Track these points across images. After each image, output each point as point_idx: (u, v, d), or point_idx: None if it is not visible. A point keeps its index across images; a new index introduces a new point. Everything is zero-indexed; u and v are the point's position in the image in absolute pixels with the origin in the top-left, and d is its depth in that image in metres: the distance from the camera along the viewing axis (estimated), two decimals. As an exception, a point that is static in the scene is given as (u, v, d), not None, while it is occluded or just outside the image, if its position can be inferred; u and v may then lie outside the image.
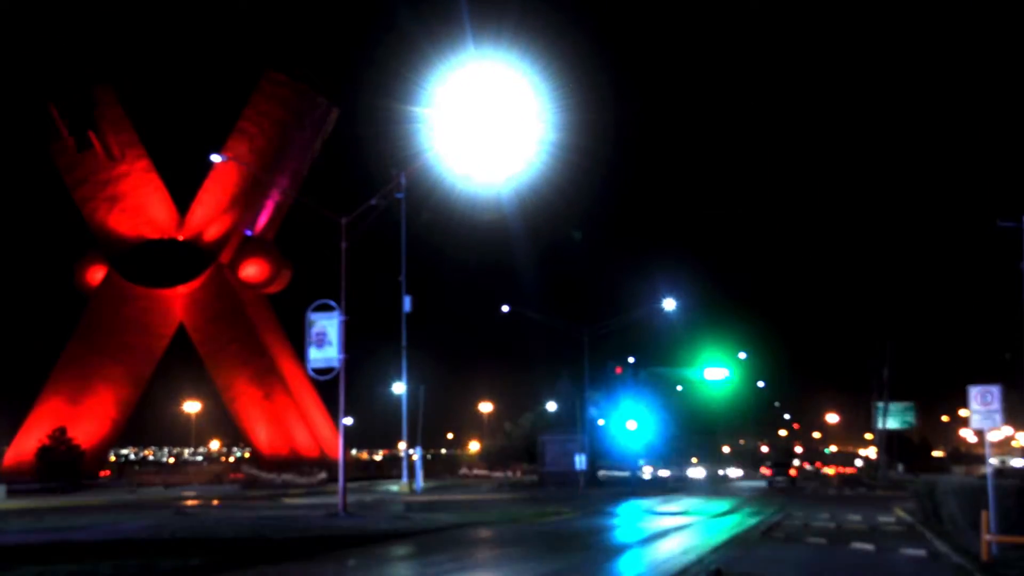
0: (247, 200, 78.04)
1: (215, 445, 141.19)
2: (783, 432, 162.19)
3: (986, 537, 19.21)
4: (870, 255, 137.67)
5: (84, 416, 74.00)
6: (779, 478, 67.43)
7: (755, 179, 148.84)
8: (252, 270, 78.53)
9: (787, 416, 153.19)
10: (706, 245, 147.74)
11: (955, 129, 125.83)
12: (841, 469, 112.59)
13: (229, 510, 39.28)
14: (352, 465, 75.92)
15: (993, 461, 26.20)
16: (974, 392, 20.45)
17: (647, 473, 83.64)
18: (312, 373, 35.85)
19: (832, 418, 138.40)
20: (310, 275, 78.51)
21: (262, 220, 79.68)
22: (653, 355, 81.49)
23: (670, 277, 79.89)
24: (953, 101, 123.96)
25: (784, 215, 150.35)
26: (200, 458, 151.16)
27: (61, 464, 64.65)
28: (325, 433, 77.48)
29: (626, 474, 75.43)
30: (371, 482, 70.87)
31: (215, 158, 63.78)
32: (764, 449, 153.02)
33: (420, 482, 56.27)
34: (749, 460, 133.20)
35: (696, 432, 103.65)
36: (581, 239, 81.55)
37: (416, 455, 58.83)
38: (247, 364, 76.92)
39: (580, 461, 62.97)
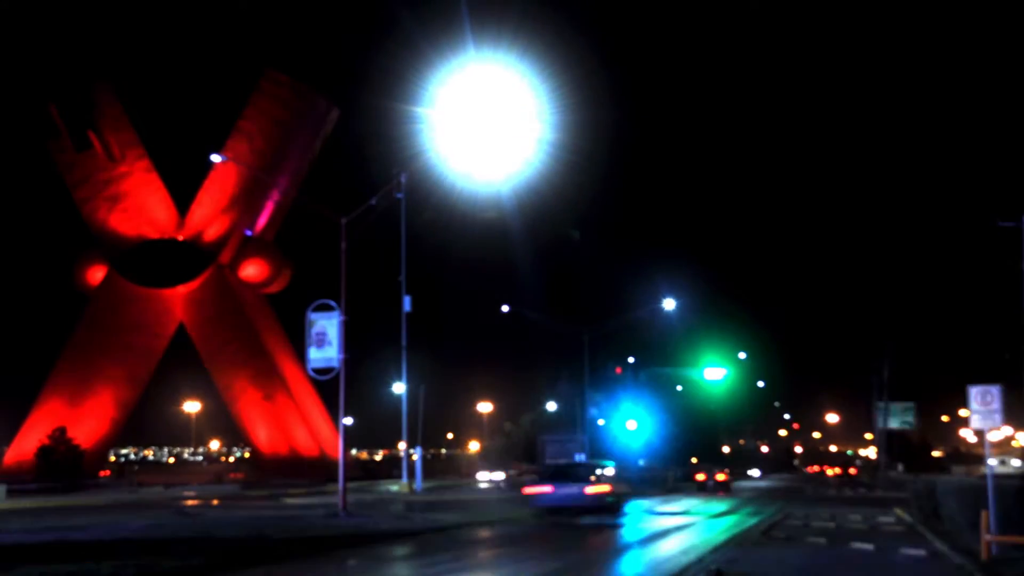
0: (247, 200, 78.05)
1: (215, 445, 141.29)
2: (783, 432, 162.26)
3: (986, 537, 19.21)
4: (870, 254, 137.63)
5: (84, 416, 73.99)
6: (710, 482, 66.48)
7: (755, 179, 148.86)
8: (252, 270, 78.54)
9: (787, 416, 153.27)
10: (706, 245, 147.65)
11: (955, 129, 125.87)
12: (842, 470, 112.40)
13: (229, 510, 39.29)
14: (352, 465, 75.92)
15: (993, 462, 26.19)
16: (974, 392, 20.43)
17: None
18: (312, 373, 35.85)
19: (832, 418, 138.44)
20: (310, 275, 78.53)
21: (262, 220, 79.69)
22: (653, 355, 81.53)
23: (670, 277, 79.68)
24: (953, 101, 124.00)
25: (784, 215, 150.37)
26: (200, 458, 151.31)
27: (61, 464, 64.67)
28: (325, 433, 77.47)
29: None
30: (371, 482, 70.85)
31: (215, 158, 63.76)
32: (764, 449, 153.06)
33: (420, 482, 56.27)
34: (749, 461, 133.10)
35: (696, 432, 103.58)
36: (580, 238, 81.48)
37: (416, 455, 58.82)
38: (247, 364, 76.92)
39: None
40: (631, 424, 70.41)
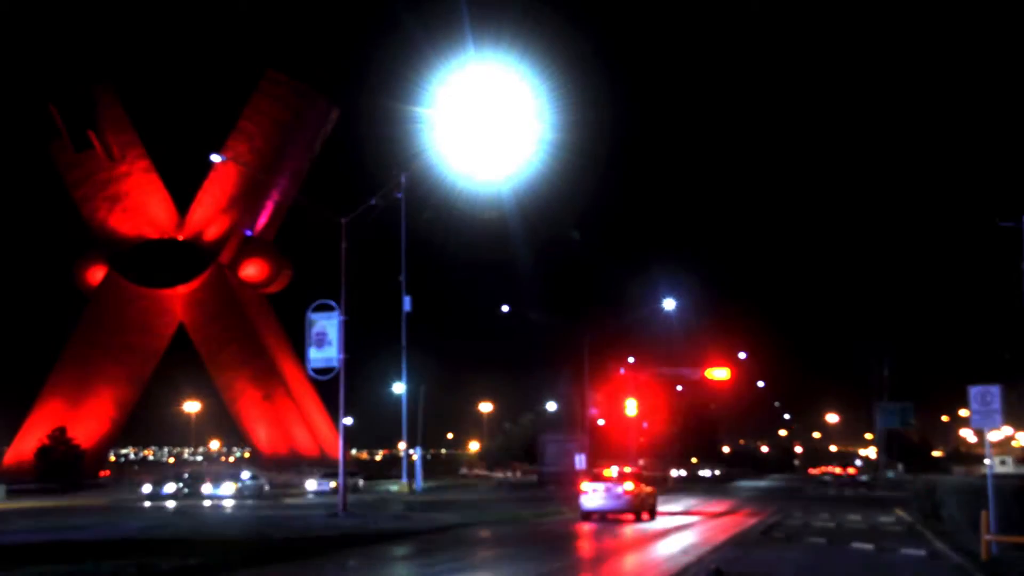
0: (247, 200, 78.04)
1: (215, 445, 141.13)
2: (783, 432, 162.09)
3: (986, 537, 19.19)
4: (870, 255, 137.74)
5: (84, 416, 73.98)
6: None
7: (755, 179, 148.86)
8: (252, 270, 78.53)
9: (787, 416, 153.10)
10: (706, 245, 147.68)
11: (955, 129, 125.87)
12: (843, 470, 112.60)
13: (228, 510, 39.32)
14: (352, 465, 75.90)
15: (989, 462, 26.17)
16: (974, 392, 20.39)
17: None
18: (312, 373, 35.83)
19: (832, 418, 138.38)
20: (310, 275, 78.55)
21: (262, 220, 79.69)
22: (653, 355, 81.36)
23: (670, 277, 79.71)
24: (953, 101, 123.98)
25: (785, 215, 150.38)
26: (200, 458, 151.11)
27: (61, 464, 64.69)
28: (325, 433, 77.46)
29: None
30: (371, 482, 70.86)
31: (215, 158, 63.75)
32: (764, 449, 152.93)
33: (420, 482, 56.25)
34: (749, 461, 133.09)
35: (696, 432, 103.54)
36: (580, 238, 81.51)
37: (416, 455, 58.80)
38: (247, 364, 76.92)
39: (580, 461, 62.87)
40: (631, 424, 70.35)
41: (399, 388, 54.75)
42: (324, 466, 70.99)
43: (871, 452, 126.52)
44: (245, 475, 55.40)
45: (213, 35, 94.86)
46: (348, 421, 37.94)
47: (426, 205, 54.25)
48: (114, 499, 49.85)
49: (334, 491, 55.04)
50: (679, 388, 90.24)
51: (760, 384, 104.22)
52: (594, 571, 19.22)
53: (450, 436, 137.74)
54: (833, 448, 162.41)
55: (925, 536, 25.32)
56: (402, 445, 58.56)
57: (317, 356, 34.45)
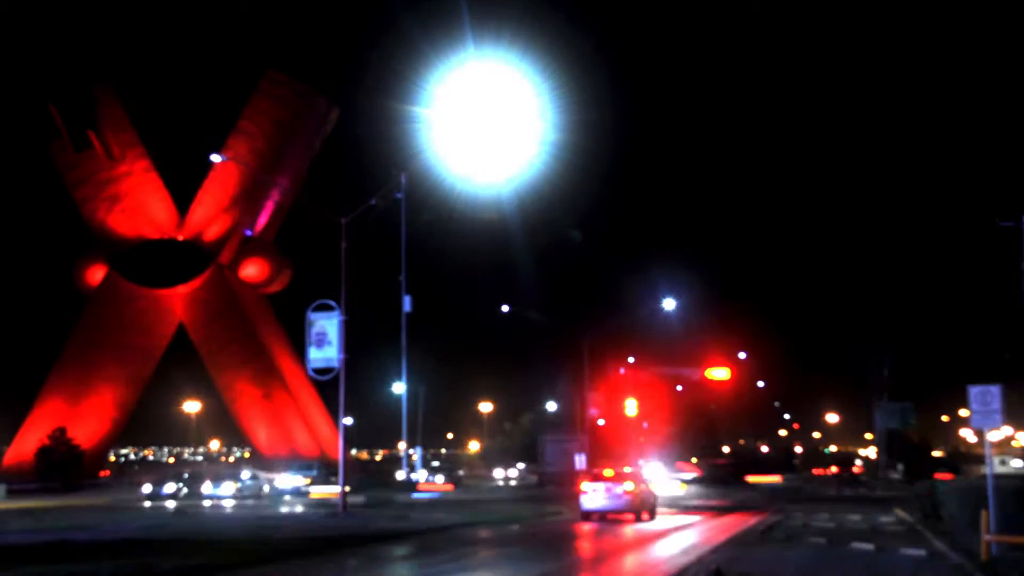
0: (247, 200, 78.02)
1: (215, 445, 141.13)
2: (783, 432, 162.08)
3: (986, 537, 19.20)
4: (870, 254, 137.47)
5: (84, 416, 73.96)
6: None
7: (755, 179, 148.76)
8: (252, 270, 78.51)
9: (787, 416, 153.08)
10: (707, 245, 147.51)
11: (955, 129, 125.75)
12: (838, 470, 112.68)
13: (229, 510, 39.35)
14: (352, 465, 75.87)
15: (991, 461, 26.17)
16: (974, 392, 20.41)
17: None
18: (312, 373, 35.85)
19: (832, 418, 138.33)
20: (310, 275, 78.52)
21: (262, 220, 79.66)
22: (653, 355, 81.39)
23: (670, 277, 79.78)
24: (953, 101, 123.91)
25: (784, 215, 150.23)
26: (200, 458, 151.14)
27: (61, 464, 64.75)
28: (325, 433, 77.42)
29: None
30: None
31: (215, 158, 63.75)
32: (764, 449, 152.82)
33: (420, 482, 56.26)
34: (749, 461, 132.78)
35: (696, 432, 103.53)
36: (581, 239, 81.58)
37: (416, 455, 58.82)
38: (247, 364, 76.88)
39: (580, 461, 62.92)
40: (631, 424, 70.38)
41: (399, 388, 54.76)
42: (325, 466, 71.02)
43: (871, 452, 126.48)
44: (245, 475, 55.42)
45: (213, 35, 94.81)
46: (348, 421, 37.96)
47: (426, 205, 54.21)
48: (114, 499, 49.94)
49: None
50: (679, 388, 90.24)
51: (760, 384, 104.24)
52: (594, 571, 19.22)
53: (450, 436, 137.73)
54: (833, 448, 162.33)
55: (925, 536, 25.33)
56: (402, 445, 58.58)
57: (317, 356, 34.50)
